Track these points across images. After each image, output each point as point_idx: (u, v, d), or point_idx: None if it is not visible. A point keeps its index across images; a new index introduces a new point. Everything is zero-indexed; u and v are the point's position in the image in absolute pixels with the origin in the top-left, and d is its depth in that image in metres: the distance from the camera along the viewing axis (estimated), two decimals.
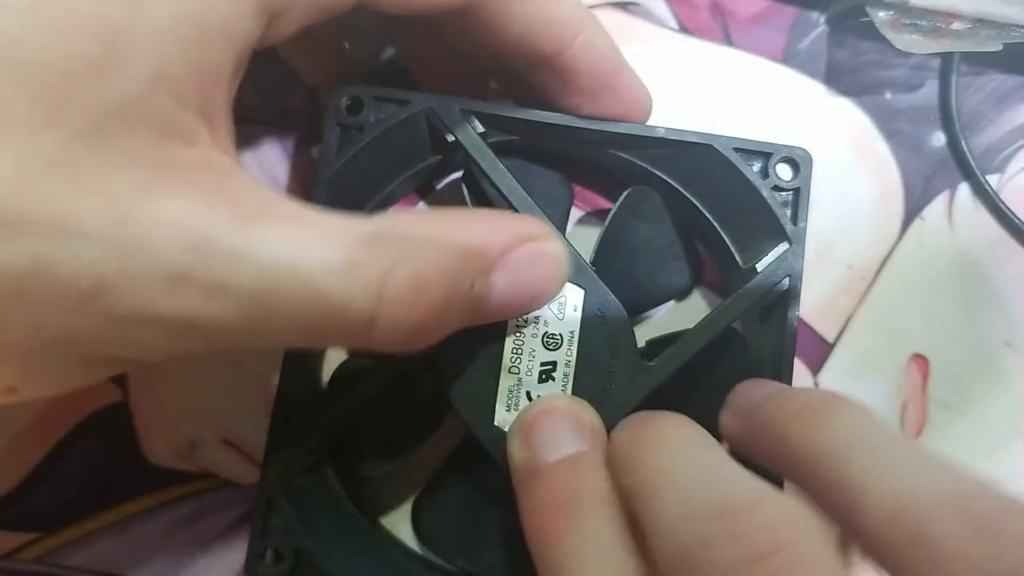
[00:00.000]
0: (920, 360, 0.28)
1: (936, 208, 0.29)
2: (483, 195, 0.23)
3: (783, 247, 0.23)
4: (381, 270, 0.15)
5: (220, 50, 0.16)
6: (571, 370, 0.22)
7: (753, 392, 0.21)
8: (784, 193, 0.24)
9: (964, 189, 0.29)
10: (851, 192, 0.29)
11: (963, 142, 0.29)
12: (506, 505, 0.20)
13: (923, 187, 0.29)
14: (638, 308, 0.25)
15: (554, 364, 0.22)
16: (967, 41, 0.28)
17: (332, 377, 0.24)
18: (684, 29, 0.30)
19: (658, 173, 0.25)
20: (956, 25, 0.28)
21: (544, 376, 0.22)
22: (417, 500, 0.24)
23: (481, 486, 0.23)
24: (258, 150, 0.28)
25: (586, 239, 0.26)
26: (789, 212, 0.24)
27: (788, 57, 0.30)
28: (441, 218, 0.18)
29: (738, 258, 0.25)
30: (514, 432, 0.20)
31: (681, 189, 0.25)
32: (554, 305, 0.22)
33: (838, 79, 0.30)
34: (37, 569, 0.25)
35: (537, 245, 0.18)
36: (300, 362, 0.23)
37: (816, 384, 0.27)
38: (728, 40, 0.30)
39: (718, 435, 0.20)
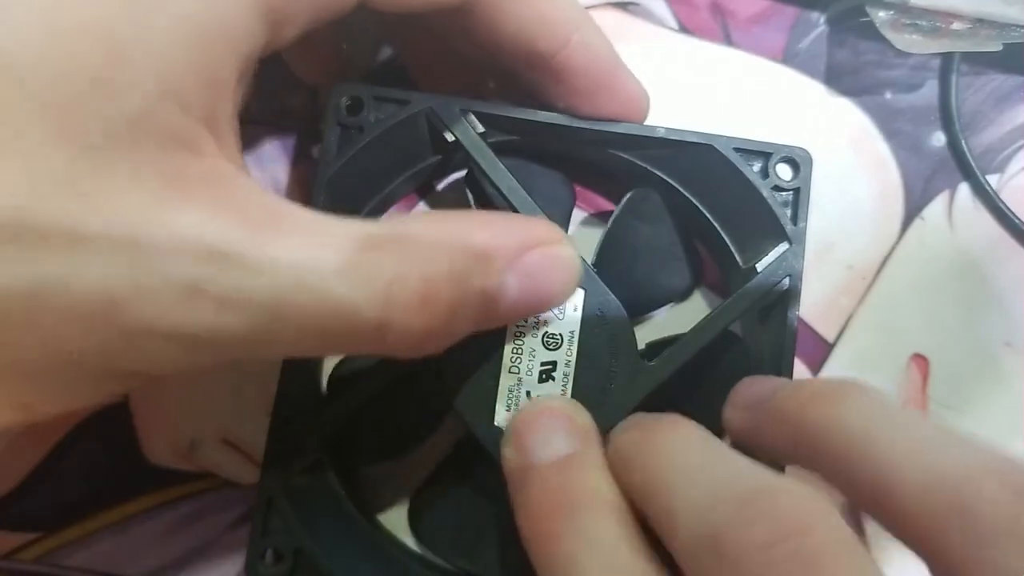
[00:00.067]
0: (920, 360, 0.28)
1: (936, 208, 0.29)
2: (485, 196, 0.23)
3: (783, 247, 0.23)
4: (391, 275, 0.16)
5: (225, 60, 0.16)
6: (571, 370, 0.22)
7: (757, 386, 0.20)
8: (784, 193, 0.24)
9: (964, 189, 0.29)
10: (851, 192, 0.29)
11: (963, 142, 0.29)
12: (505, 505, 0.20)
13: (923, 187, 0.29)
14: (639, 309, 0.25)
15: (554, 364, 0.22)
16: (967, 41, 0.28)
17: (331, 377, 0.24)
18: (684, 29, 0.30)
19: (658, 173, 0.25)
20: (956, 25, 0.28)
21: (544, 376, 0.22)
22: (416, 500, 0.24)
23: (481, 486, 0.23)
24: (258, 150, 0.28)
25: (587, 240, 0.26)
26: (789, 212, 0.24)
27: (788, 57, 0.30)
28: (450, 220, 0.18)
29: (738, 258, 0.25)
30: (507, 436, 0.20)
31: (681, 189, 0.25)
32: None
33: (838, 79, 0.30)
34: (37, 569, 0.25)
35: (550, 249, 0.18)
36: (300, 362, 0.23)
37: None
38: (728, 40, 0.30)
39: (719, 435, 0.20)
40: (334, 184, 0.23)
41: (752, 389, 0.20)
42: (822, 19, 0.30)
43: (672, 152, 0.24)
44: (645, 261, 0.25)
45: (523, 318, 0.21)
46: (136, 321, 0.14)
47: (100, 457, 0.25)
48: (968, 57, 0.30)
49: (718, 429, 0.21)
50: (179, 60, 0.15)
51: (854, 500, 0.17)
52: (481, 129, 0.23)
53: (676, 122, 0.24)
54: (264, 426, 0.22)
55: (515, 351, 0.22)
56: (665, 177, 0.25)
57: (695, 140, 0.23)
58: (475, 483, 0.24)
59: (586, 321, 0.22)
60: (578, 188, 0.27)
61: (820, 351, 0.28)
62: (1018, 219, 0.28)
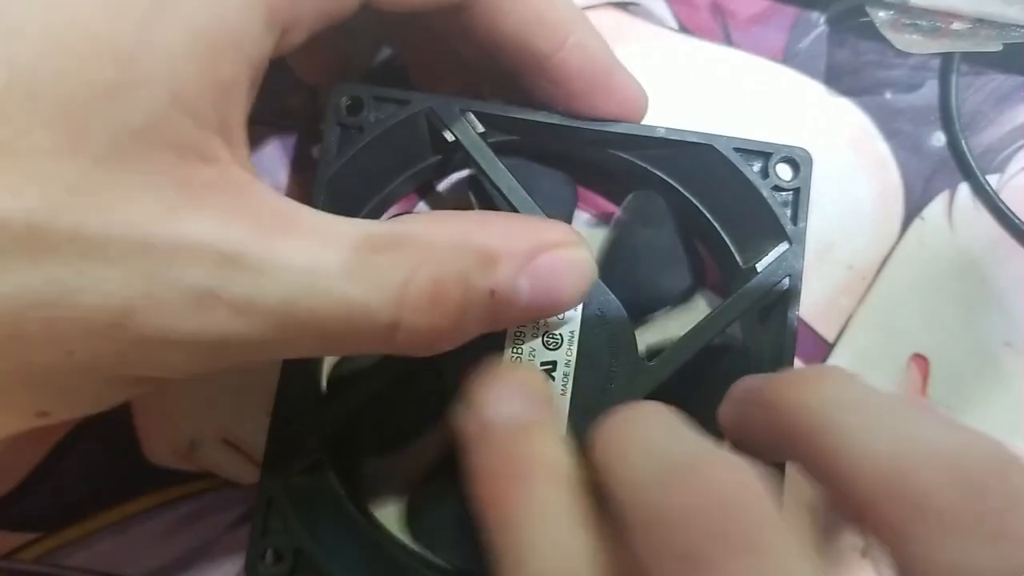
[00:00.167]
0: (920, 360, 0.28)
1: (936, 208, 0.29)
2: (488, 197, 0.23)
3: (783, 247, 0.23)
4: (402, 276, 0.16)
5: (234, 67, 0.16)
6: (571, 370, 0.22)
7: (749, 381, 0.20)
8: (784, 193, 0.24)
9: (964, 189, 0.29)
10: (851, 192, 0.29)
11: (963, 142, 0.29)
12: None
13: (923, 187, 0.29)
14: (640, 311, 0.25)
15: (554, 364, 0.22)
16: (967, 41, 0.28)
17: (331, 376, 0.24)
18: (684, 29, 0.30)
19: (658, 173, 0.25)
20: (956, 25, 0.28)
21: (544, 376, 0.22)
22: (415, 499, 0.24)
23: None
24: (258, 150, 0.28)
25: (587, 241, 0.26)
26: (789, 212, 0.24)
27: (788, 57, 0.30)
28: (461, 221, 0.18)
29: (738, 258, 0.25)
30: (467, 396, 0.19)
31: (681, 189, 0.25)
32: None
33: (838, 79, 0.30)
34: (37, 569, 0.25)
35: (564, 251, 0.18)
36: (300, 362, 0.23)
37: None
38: (728, 40, 0.30)
39: (719, 435, 0.20)
40: (334, 184, 0.23)
41: (745, 384, 0.20)
42: (822, 19, 0.30)
43: (672, 152, 0.24)
44: (646, 263, 0.25)
45: (535, 320, 0.21)
46: (151, 329, 0.14)
47: (100, 457, 0.25)
48: (968, 57, 0.30)
49: (717, 429, 0.21)
50: (189, 69, 0.15)
51: (825, 487, 0.16)
52: (481, 129, 0.23)
53: (676, 122, 0.24)
54: (264, 426, 0.22)
55: (515, 350, 0.22)
56: (665, 177, 0.25)
57: (695, 140, 0.23)
58: None
59: (586, 321, 0.22)
60: (578, 188, 0.27)
61: (820, 351, 0.28)
62: (1018, 219, 0.28)
